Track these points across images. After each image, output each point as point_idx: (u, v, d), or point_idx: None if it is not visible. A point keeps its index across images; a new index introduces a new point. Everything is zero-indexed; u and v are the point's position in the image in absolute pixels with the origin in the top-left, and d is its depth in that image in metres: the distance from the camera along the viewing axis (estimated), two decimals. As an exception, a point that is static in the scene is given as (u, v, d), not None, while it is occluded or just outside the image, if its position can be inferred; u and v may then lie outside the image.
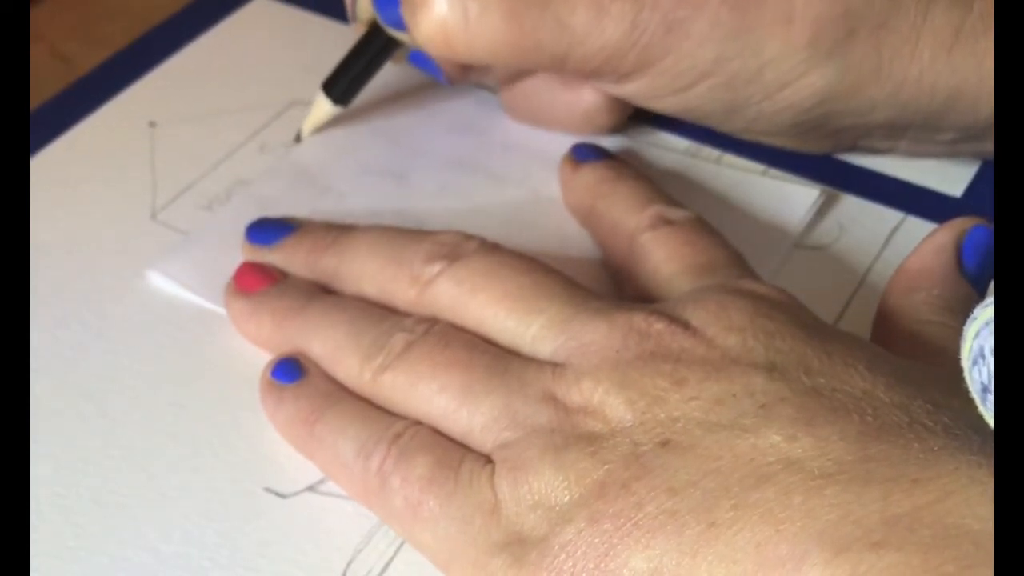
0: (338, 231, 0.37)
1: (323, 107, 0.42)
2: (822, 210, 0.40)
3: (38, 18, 0.49)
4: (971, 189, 0.41)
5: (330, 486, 0.33)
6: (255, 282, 0.36)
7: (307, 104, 0.44)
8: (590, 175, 0.39)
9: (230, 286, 0.37)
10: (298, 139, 0.43)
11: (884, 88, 0.37)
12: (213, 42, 0.48)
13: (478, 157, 0.42)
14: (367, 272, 0.35)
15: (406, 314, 0.34)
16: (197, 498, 0.33)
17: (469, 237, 0.34)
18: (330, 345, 0.34)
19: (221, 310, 0.37)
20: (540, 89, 0.41)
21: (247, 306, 0.36)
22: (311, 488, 0.33)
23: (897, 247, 0.39)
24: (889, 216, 0.40)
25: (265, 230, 0.38)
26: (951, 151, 0.40)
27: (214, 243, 0.39)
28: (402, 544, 0.32)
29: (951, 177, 0.41)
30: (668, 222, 0.36)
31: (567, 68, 0.38)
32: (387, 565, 0.31)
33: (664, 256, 0.35)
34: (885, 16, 0.36)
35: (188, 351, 0.36)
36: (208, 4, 0.49)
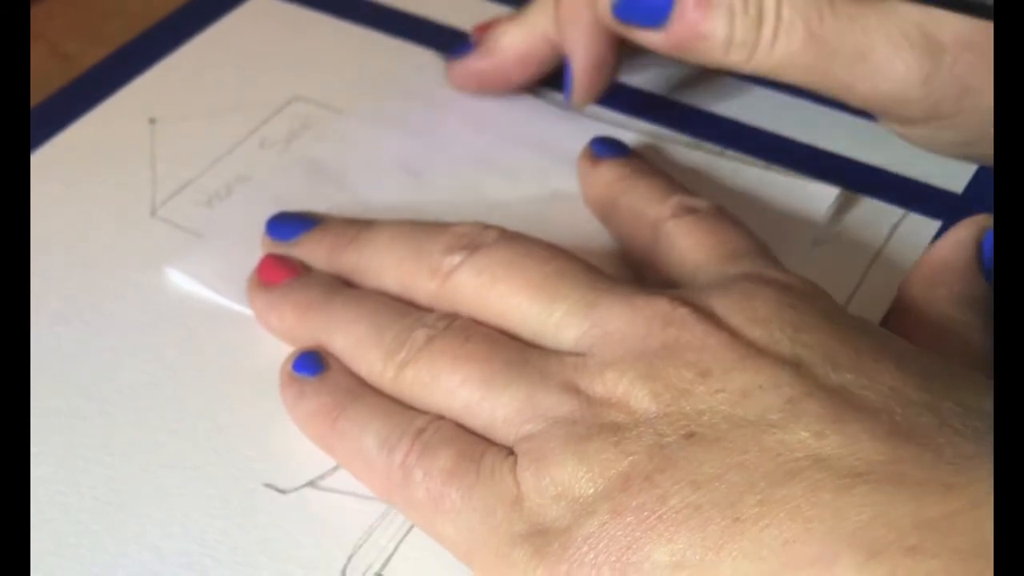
0: (358, 226, 0.37)
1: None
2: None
3: (38, 16, 0.49)
4: (972, 185, 0.41)
5: (330, 481, 0.33)
6: (278, 274, 0.36)
7: (307, 101, 0.44)
8: (610, 171, 0.39)
9: (252, 278, 0.37)
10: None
11: None
12: (213, 39, 0.48)
13: (495, 154, 0.42)
14: (387, 265, 0.35)
15: (428, 308, 0.34)
16: (197, 495, 0.33)
17: (488, 227, 0.34)
18: (352, 340, 0.34)
19: (240, 307, 0.37)
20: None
21: (270, 298, 0.36)
22: (311, 483, 0.33)
23: (898, 243, 0.39)
24: (890, 212, 0.40)
25: (285, 225, 0.38)
26: None
27: (233, 240, 0.39)
28: (402, 539, 0.32)
29: (952, 173, 0.41)
30: (692, 211, 0.35)
31: (851, 100, 0.38)
32: (388, 560, 0.31)
33: (690, 245, 0.34)
34: None
35: (188, 348, 0.36)
36: (208, 1, 0.49)
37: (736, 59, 0.38)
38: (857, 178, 0.41)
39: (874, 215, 0.40)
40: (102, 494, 0.33)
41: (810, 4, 0.37)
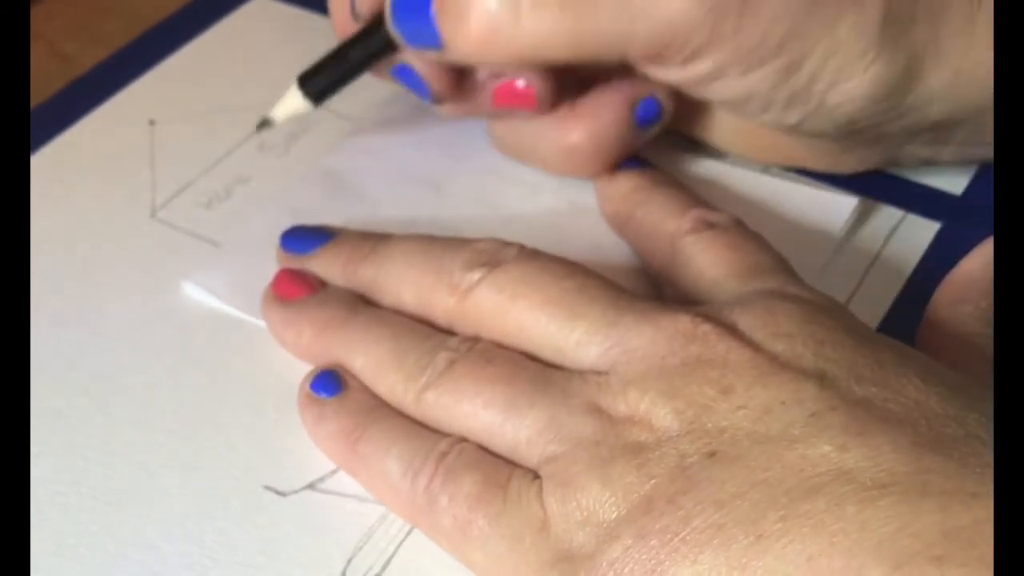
0: (375, 240, 0.36)
1: (296, 101, 0.39)
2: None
3: (38, 17, 0.49)
4: (971, 187, 0.41)
5: (330, 484, 0.33)
6: (294, 290, 0.36)
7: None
8: (626, 183, 0.38)
9: (268, 293, 0.36)
10: (262, 126, 0.40)
11: (940, 78, 0.35)
12: (212, 41, 0.48)
13: (513, 165, 0.42)
14: (406, 281, 0.35)
15: (446, 325, 0.34)
16: (197, 496, 0.33)
17: (508, 244, 0.34)
18: (373, 361, 0.33)
19: (258, 322, 0.37)
20: (527, 127, 0.39)
21: (286, 314, 0.35)
22: (311, 486, 0.33)
23: (897, 245, 0.39)
24: (889, 214, 0.40)
25: (300, 238, 0.37)
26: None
27: (250, 254, 0.39)
28: (402, 542, 0.32)
29: (951, 175, 0.41)
30: (710, 225, 0.35)
31: (631, 52, 0.35)
32: (387, 563, 0.31)
33: (709, 260, 0.34)
34: (942, 3, 0.35)
35: (188, 349, 0.36)
36: (207, 3, 0.49)
37: (488, 49, 0.35)
38: (855, 180, 0.41)
39: (873, 216, 0.40)
40: (102, 494, 0.33)
41: None
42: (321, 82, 0.39)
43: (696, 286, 0.34)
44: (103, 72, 0.46)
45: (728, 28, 0.34)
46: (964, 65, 0.35)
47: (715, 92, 0.36)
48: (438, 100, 0.39)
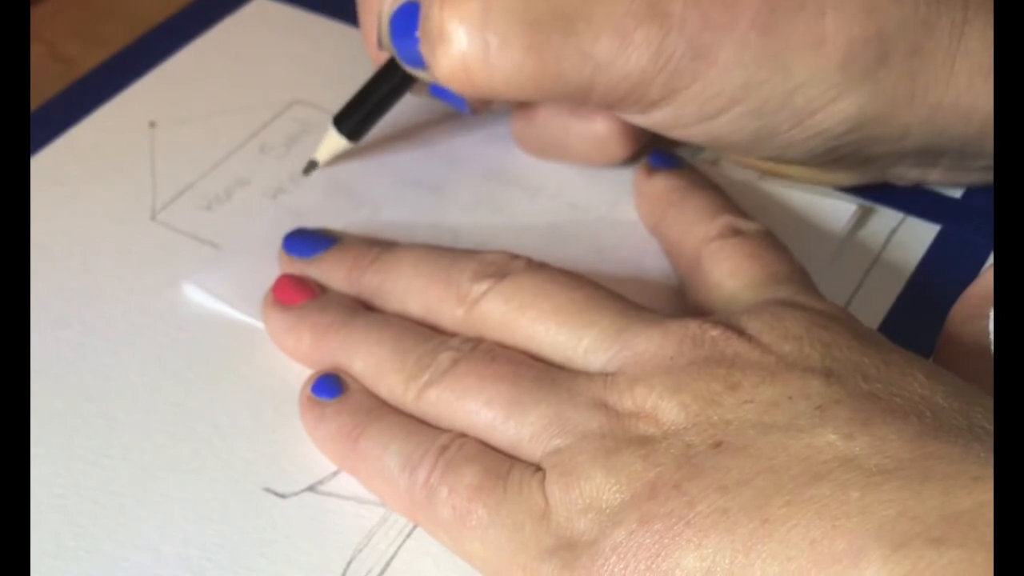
0: (380, 248, 0.36)
1: (334, 141, 0.41)
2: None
3: (38, 18, 0.49)
4: (971, 190, 0.41)
5: (330, 486, 0.33)
6: (295, 295, 0.36)
7: (308, 104, 0.44)
8: (663, 183, 0.39)
9: (268, 298, 0.36)
10: (309, 170, 0.41)
11: (918, 113, 0.36)
12: (213, 42, 0.48)
13: (513, 169, 0.42)
14: (412, 291, 0.35)
15: (452, 334, 0.34)
16: (197, 498, 0.33)
17: (516, 256, 0.34)
18: (373, 362, 0.33)
19: (258, 324, 0.37)
20: (552, 121, 0.40)
21: (287, 319, 0.36)
22: (311, 488, 0.33)
23: (897, 248, 0.39)
24: (889, 216, 0.40)
25: (303, 242, 0.38)
26: (986, 178, 0.40)
27: (250, 256, 0.39)
28: (402, 544, 0.32)
29: (951, 177, 0.41)
30: (737, 232, 0.35)
31: (591, 99, 0.36)
32: (387, 565, 0.31)
33: (729, 269, 0.34)
34: (919, 41, 0.35)
35: (188, 351, 0.36)
36: (207, 4, 0.49)
37: (460, 83, 0.35)
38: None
39: (873, 219, 0.40)
40: (101, 496, 0.33)
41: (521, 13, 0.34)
42: (354, 119, 0.40)
43: (715, 294, 0.34)
44: (103, 74, 0.46)
45: (683, 82, 0.35)
46: (945, 99, 0.35)
47: (679, 136, 0.37)
48: (476, 111, 0.40)
